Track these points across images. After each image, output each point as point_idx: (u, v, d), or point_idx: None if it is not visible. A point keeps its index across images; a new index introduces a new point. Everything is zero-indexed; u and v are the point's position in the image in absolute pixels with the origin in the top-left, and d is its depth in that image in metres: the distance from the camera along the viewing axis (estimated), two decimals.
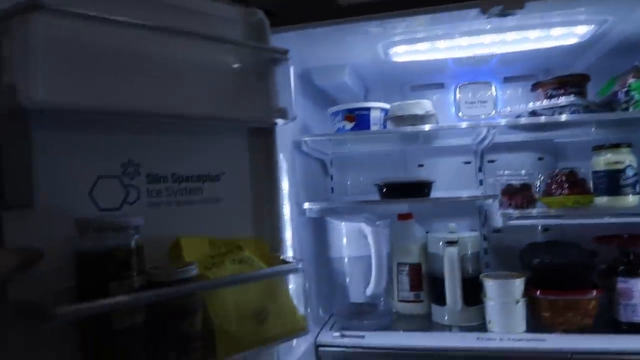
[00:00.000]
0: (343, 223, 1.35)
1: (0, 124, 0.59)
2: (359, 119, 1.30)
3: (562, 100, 1.19)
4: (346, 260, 1.36)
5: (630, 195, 1.20)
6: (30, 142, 0.61)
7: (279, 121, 0.83)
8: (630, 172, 1.20)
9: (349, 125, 1.31)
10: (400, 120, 1.27)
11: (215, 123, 0.79)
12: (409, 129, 1.29)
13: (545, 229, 1.51)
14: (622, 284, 1.20)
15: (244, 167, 0.85)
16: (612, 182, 1.21)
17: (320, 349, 1.28)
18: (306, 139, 1.33)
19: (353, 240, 1.34)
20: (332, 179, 1.69)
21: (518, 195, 1.31)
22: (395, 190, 1.29)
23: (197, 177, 0.78)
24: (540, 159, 1.52)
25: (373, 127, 1.32)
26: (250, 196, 0.85)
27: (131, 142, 0.72)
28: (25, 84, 0.57)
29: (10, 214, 0.59)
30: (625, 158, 1.21)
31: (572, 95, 1.21)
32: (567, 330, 1.21)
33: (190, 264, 0.70)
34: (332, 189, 1.69)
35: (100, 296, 0.58)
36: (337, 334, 1.30)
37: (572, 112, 1.18)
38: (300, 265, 0.80)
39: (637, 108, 1.18)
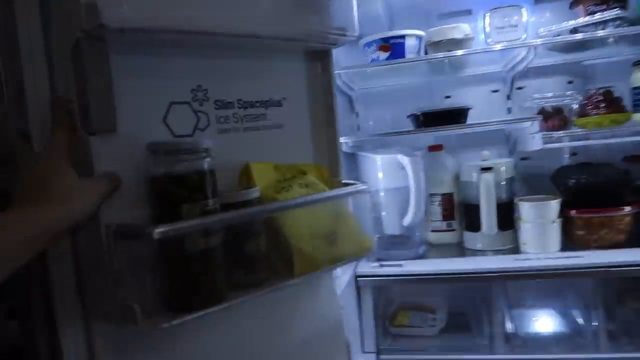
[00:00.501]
0: (379, 156, 1.36)
1: (79, 48, 0.58)
2: (394, 48, 1.28)
3: (606, 14, 1.18)
4: (382, 193, 1.38)
5: None
6: (109, 65, 0.60)
7: (339, 40, 0.81)
8: None
9: (383, 56, 1.29)
10: (439, 45, 1.25)
11: (274, 44, 0.77)
12: (441, 55, 1.27)
13: (573, 153, 1.53)
14: None
15: (303, 92, 0.84)
16: None
17: (360, 279, 1.32)
18: (340, 71, 1.31)
19: (389, 172, 1.35)
20: (357, 116, 1.68)
21: (553, 118, 1.31)
22: (432, 119, 1.29)
23: (260, 102, 0.78)
24: (570, 82, 1.52)
25: (408, 57, 1.29)
26: (309, 122, 0.85)
27: (198, 67, 0.70)
28: (108, 2, 0.55)
29: (96, 139, 0.59)
30: None
31: (617, 9, 1.19)
32: (600, 247, 1.26)
33: (254, 186, 0.71)
34: (358, 126, 1.68)
35: (174, 219, 0.59)
36: (375, 264, 1.34)
37: (618, 26, 1.16)
38: (366, 186, 0.81)
39: None
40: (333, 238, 0.79)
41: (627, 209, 1.25)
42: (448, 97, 1.60)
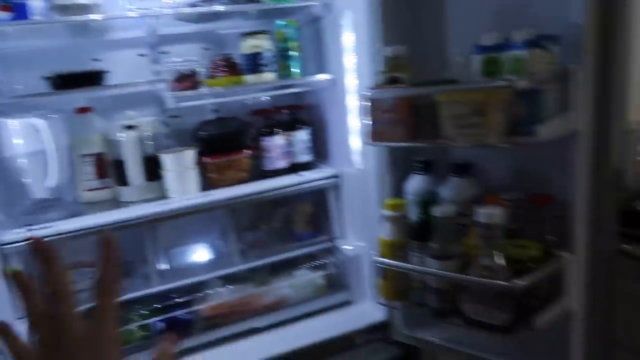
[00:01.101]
0: (13, 120, 1.33)
1: None
2: (17, 8, 1.25)
3: None
4: (22, 158, 1.37)
5: (268, 72, 1.56)
6: None
7: None
8: (266, 54, 1.55)
9: (6, 16, 1.25)
10: (65, 9, 1.28)
11: None
12: (74, 18, 1.31)
13: (216, 109, 1.80)
14: (265, 142, 1.60)
15: None
16: (255, 62, 1.55)
17: (6, 247, 1.29)
18: None
19: (26, 136, 1.35)
20: None
21: (186, 80, 1.52)
22: (66, 81, 1.33)
23: None
24: (206, 49, 1.75)
25: (34, 18, 1.28)
26: None
27: None
28: None
29: None
30: (263, 43, 1.55)
31: None
32: (228, 185, 1.57)
33: None
34: None
35: None
36: (21, 230, 1.33)
37: (225, 4, 1.43)
38: None
39: (273, 1, 1.52)
40: None
41: (247, 152, 1.58)
42: (97, 59, 1.64)
